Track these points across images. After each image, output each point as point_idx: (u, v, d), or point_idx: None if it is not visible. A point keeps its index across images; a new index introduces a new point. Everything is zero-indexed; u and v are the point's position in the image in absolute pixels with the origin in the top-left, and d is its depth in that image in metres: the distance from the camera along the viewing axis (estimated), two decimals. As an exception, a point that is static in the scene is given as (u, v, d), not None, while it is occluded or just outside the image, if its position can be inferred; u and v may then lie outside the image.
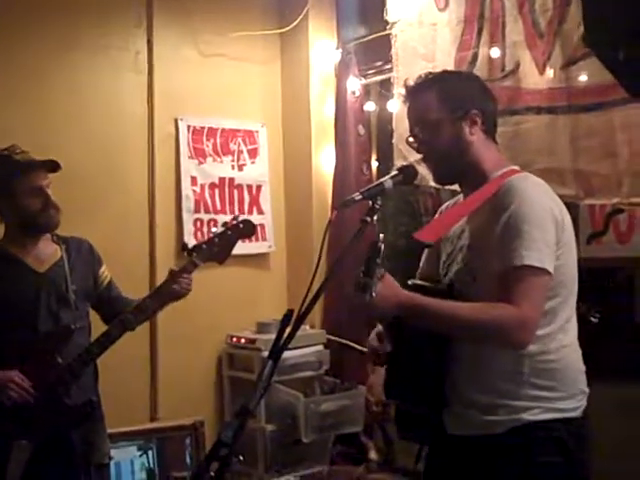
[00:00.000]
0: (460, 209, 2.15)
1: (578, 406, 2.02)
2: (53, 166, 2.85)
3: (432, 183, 2.38)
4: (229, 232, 2.87)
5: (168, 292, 2.83)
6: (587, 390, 2.07)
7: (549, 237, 1.94)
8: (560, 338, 2.01)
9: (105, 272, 3.04)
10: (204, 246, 2.85)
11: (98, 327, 2.94)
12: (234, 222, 2.90)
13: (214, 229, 2.94)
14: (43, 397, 2.71)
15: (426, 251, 2.34)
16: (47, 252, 2.91)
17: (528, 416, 1.96)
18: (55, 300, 2.84)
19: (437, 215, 2.36)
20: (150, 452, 3.94)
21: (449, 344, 2.03)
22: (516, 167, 2.14)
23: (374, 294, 1.83)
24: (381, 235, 1.93)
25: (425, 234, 2.15)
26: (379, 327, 2.21)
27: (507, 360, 1.98)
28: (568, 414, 1.99)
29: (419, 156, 2.22)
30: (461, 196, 2.25)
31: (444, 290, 2.08)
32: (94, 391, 2.92)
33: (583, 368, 2.09)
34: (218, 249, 2.86)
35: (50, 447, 2.73)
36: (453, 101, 2.09)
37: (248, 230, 2.93)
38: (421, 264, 2.36)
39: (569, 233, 2.03)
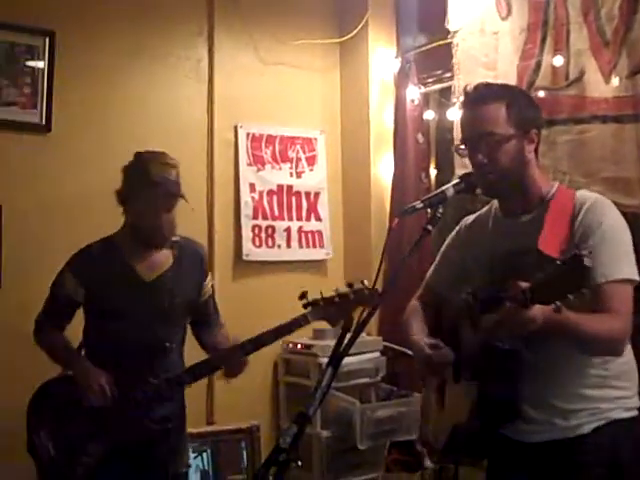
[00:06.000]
0: (555, 225, 2.07)
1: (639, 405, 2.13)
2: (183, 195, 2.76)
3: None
4: (352, 296, 2.70)
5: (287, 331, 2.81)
6: None
7: (632, 250, 2.05)
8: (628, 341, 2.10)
9: (209, 285, 2.97)
10: (321, 303, 2.72)
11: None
12: (360, 287, 2.71)
13: (336, 288, 2.75)
14: (124, 410, 2.67)
15: (439, 260, 2.43)
16: (158, 259, 2.83)
17: (612, 415, 2.05)
18: (155, 312, 2.78)
19: (463, 230, 2.42)
20: (205, 454, 3.99)
21: (527, 356, 2.02)
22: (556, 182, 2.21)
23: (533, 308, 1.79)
24: None
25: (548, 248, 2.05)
26: (427, 339, 2.22)
27: (592, 367, 2.05)
28: (635, 412, 2.10)
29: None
30: (489, 209, 2.30)
31: None
32: (176, 411, 2.88)
33: None
34: (334, 310, 2.71)
35: (132, 455, 2.71)
36: (521, 118, 2.11)
37: (371, 299, 2.65)
38: (432, 271, 2.45)
39: None
